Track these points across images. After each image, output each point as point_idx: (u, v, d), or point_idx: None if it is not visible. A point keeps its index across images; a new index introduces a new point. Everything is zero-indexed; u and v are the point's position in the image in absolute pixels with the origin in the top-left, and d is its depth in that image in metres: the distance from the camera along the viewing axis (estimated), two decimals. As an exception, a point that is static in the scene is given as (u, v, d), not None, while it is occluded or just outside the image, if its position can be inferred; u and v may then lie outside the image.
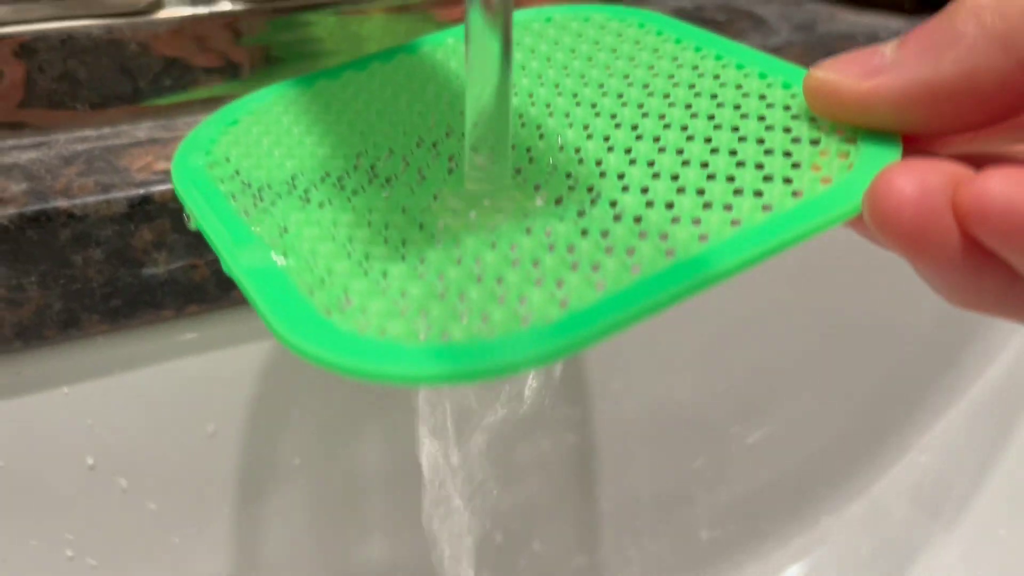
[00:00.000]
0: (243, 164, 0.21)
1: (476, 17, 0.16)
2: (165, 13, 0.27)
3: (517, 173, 0.19)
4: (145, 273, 0.25)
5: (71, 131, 0.26)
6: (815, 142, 0.17)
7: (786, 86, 0.19)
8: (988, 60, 0.14)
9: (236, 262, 0.17)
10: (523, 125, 0.20)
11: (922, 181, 0.14)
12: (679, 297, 0.14)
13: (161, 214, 0.24)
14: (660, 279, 0.15)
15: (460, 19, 0.30)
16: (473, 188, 0.18)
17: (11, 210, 0.23)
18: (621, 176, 0.18)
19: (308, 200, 0.19)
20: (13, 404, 0.25)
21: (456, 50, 0.24)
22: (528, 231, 0.16)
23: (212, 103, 0.28)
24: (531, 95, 0.21)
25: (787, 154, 0.17)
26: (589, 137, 0.19)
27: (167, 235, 0.24)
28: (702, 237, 0.15)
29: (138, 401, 0.27)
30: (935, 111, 0.15)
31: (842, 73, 0.16)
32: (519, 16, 0.24)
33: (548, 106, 0.21)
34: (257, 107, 0.23)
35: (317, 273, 0.16)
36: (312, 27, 0.29)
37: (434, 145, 0.20)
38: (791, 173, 0.17)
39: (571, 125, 0.20)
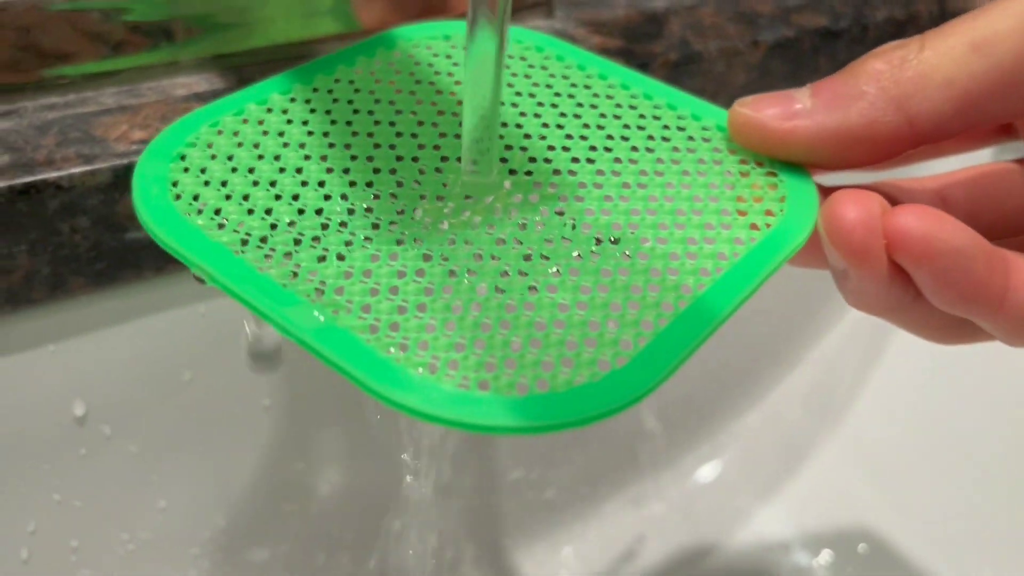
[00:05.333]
0: (225, 201, 0.19)
1: (480, 24, 0.17)
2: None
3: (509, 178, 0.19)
4: (128, 238, 0.26)
5: (37, 99, 0.27)
6: (744, 175, 0.20)
7: (696, 118, 0.21)
8: (885, 115, 0.18)
9: (296, 326, 0.16)
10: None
11: (866, 209, 0.17)
12: (702, 343, 0.16)
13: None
14: (688, 322, 0.16)
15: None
16: (469, 186, 0.19)
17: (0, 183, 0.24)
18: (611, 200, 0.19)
19: (330, 241, 0.18)
20: (1, 363, 0.27)
21: (436, 48, 0.23)
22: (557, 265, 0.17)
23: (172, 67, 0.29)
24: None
25: (729, 187, 0.19)
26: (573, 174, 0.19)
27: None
28: (702, 274, 0.17)
29: (119, 355, 0.29)
30: (839, 152, 0.19)
31: (763, 113, 0.19)
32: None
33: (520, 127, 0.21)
34: (225, 123, 0.21)
35: (377, 323, 0.16)
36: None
37: (436, 169, 0.20)
38: (741, 206, 0.19)
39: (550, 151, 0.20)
